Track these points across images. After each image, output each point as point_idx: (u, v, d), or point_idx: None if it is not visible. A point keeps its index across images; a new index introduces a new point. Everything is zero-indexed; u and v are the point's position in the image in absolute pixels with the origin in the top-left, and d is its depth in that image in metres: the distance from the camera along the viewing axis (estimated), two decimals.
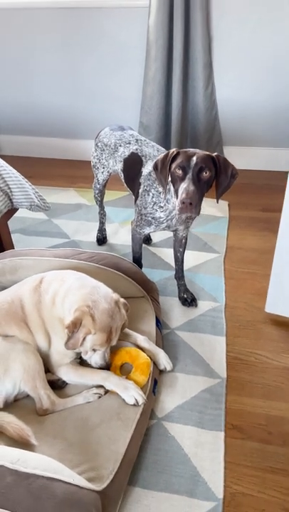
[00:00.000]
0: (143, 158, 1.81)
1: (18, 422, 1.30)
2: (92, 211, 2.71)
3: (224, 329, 1.87)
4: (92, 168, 2.16)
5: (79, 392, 1.45)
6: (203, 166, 1.45)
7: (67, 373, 1.48)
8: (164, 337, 1.81)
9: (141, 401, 1.39)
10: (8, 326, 1.47)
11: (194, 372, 1.67)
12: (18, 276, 1.83)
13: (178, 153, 1.50)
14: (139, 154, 1.83)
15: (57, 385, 1.49)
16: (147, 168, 1.76)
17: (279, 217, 1.66)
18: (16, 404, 1.43)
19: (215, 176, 1.51)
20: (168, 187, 1.59)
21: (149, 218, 1.74)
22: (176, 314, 1.96)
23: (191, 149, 1.51)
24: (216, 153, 1.51)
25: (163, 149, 1.86)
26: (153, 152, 1.82)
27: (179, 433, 1.45)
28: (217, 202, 1.59)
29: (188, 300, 2.00)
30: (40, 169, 3.30)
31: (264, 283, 2.07)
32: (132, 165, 1.84)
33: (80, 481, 1.12)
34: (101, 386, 1.45)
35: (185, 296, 2.01)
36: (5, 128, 3.48)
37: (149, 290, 1.88)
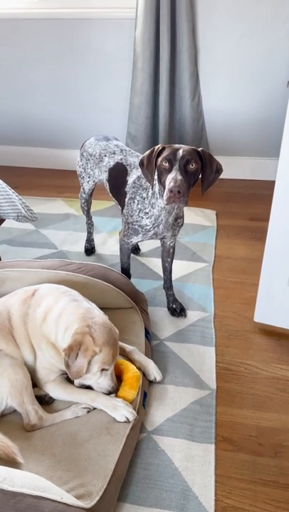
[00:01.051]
0: (128, 167, 1.81)
1: (5, 439, 1.27)
2: (80, 221, 2.69)
3: (213, 339, 1.86)
4: (78, 178, 2.17)
5: (67, 406, 1.43)
6: (189, 158, 1.46)
7: (54, 390, 1.45)
8: (153, 348, 1.80)
9: (131, 418, 1.36)
10: None
11: (184, 383, 1.65)
12: (5, 289, 1.81)
13: (164, 148, 1.51)
14: (124, 164, 1.83)
15: (44, 401, 1.46)
16: (132, 177, 1.76)
17: (267, 227, 1.67)
18: (3, 419, 1.40)
19: (201, 170, 1.52)
20: (154, 189, 1.60)
21: (136, 226, 1.74)
22: (166, 325, 1.94)
23: (176, 144, 1.52)
24: (201, 148, 1.53)
25: None
26: (137, 161, 1.82)
27: (169, 446, 1.43)
28: (202, 195, 1.60)
29: (177, 310, 1.99)
30: (28, 179, 3.28)
31: (253, 292, 2.07)
32: (117, 174, 1.84)
33: (69, 498, 1.10)
34: None
35: (174, 306, 2.00)
36: None
37: (138, 301, 1.87)
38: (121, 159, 1.86)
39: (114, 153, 1.90)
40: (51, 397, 1.47)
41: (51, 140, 3.39)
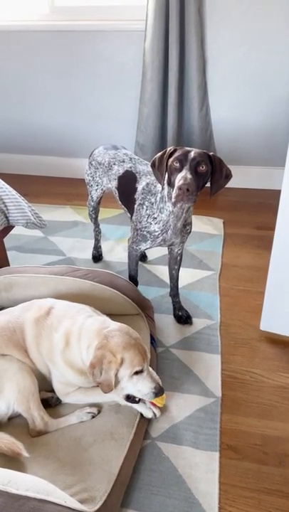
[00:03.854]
0: (137, 174, 1.84)
1: (9, 437, 1.28)
2: (88, 229, 2.72)
3: (219, 347, 1.86)
4: (86, 186, 2.19)
5: (72, 411, 1.44)
6: (200, 160, 1.48)
7: (75, 397, 1.46)
8: (158, 355, 1.80)
9: (158, 414, 1.42)
10: (10, 351, 1.43)
11: (189, 390, 1.65)
12: (13, 294, 1.84)
13: (175, 150, 1.53)
14: (133, 171, 1.86)
15: (51, 403, 1.48)
16: (141, 184, 1.79)
17: (273, 235, 1.67)
18: (8, 423, 1.41)
19: (210, 173, 1.54)
20: (162, 192, 1.62)
21: (144, 233, 1.75)
22: (171, 332, 1.95)
23: (188, 147, 1.55)
24: (212, 153, 1.55)
25: None
26: (147, 169, 1.85)
27: (174, 453, 1.43)
28: (210, 198, 1.61)
29: (183, 318, 2.00)
30: (37, 187, 3.33)
31: (259, 300, 2.07)
32: (127, 182, 1.86)
33: (72, 502, 1.10)
34: (94, 405, 1.43)
35: (180, 313, 2.01)
36: (2, 146, 3.52)
37: (144, 308, 1.88)
38: (130, 167, 1.89)
39: (124, 162, 1.93)
40: (57, 399, 1.48)
41: (61, 149, 3.44)
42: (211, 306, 2.10)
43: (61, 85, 3.19)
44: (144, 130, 3.04)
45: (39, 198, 3.11)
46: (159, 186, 1.67)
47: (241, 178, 3.15)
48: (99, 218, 2.36)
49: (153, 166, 1.60)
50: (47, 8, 3.02)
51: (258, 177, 3.19)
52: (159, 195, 1.67)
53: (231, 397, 1.65)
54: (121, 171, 1.91)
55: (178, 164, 1.49)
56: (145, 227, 1.74)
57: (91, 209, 2.28)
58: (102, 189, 2.11)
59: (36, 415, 1.36)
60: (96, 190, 2.14)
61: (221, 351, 1.85)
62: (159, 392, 1.36)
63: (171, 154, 1.53)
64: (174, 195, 1.48)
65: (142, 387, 1.34)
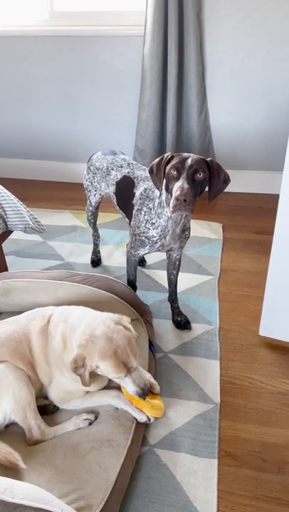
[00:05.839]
0: (135, 180, 1.84)
1: (6, 447, 1.27)
2: (87, 233, 2.72)
3: (218, 353, 1.85)
4: (85, 191, 2.19)
5: (69, 418, 1.43)
6: (197, 167, 1.48)
7: (72, 403, 1.47)
8: (157, 360, 1.79)
9: (152, 419, 1.40)
10: (15, 362, 1.42)
11: (188, 397, 1.64)
12: (12, 299, 1.83)
13: (172, 157, 1.53)
14: (131, 177, 1.86)
15: (48, 410, 1.46)
16: (139, 190, 1.78)
17: (272, 240, 1.67)
18: (5, 431, 1.40)
19: (208, 179, 1.53)
20: (161, 197, 1.62)
21: (143, 238, 1.75)
22: (170, 337, 1.94)
23: (186, 153, 1.54)
24: (210, 158, 1.54)
25: None
26: (144, 174, 1.85)
27: (172, 460, 1.42)
28: (209, 203, 1.61)
29: (182, 323, 1.99)
30: (36, 192, 3.33)
31: (258, 306, 2.06)
32: (125, 187, 1.86)
33: (69, 511, 1.09)
34: (91, 412, 1.42)
35: (179, 319, 2.00)
36: (1, 151, 3.52)
37: (143, 313, 1.87)
38: (128, 172, 1.89)
39: (122, 167, 1.93)
40: (55, 407, 1.47)
41: (60, 153, 3.44)
42: (209, 312, 2.09)
43: (60, 90, 3.20)
44: (143, 135, 3.04)
45: (38, 203, 3.11)
46: (157, 192, 1.67)
47: (240, 182, 3.15)
48: (98, 223, 2.36)
49: (151, 172, 1.60)
50: (46, 13, 3.03)
51: (257, 181, 3.19)
52: (157, 200, 1.67)
53: (230, 404, 1.63)
54: (119, 177, 1.91)
55: (175, 172, 1.49)
56: (143, 232, 1.73)
57: (90, 214, 2.28)
58: (100, 194, 2.11)
59: (33, 424, 1.35)
60: (94, 195, 2.14)
61: (220, 357, 1.84)
62: (141, 396, 1.35)
63: (168, 161, 1.52)
64: (171, 204, 1.48)
65: (127, 386, 1.35)
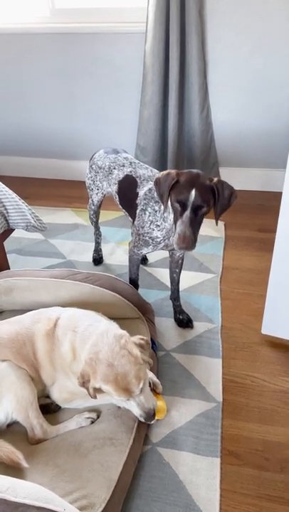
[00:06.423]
0: (137, 179, 1.82)
1: (9, 446, 1.27)
2: (89, 231, 2.71)
3: (220, 351, 1.85)
4: (87, 190, 2.18)
5: (71, 416, 1.43)
6: (200, 204, 1.46)
7: (75, 402, 1.46)
8: (159, 359, 1.79)
9: (153, 420, 1.36)
10: (19, 364, 1.41)
11: (190, 395, 1.64)
12: (13, 297, 1.83)
13: (178, 181, 1.48)
14: (134, 176, 1.85)
15: (50, 409, 1.46)
16: (143, 189, 1.77)
17: (275, 238, 1.66)
18: (8, 430, 1.40)
19: (214, 203, 1.51)
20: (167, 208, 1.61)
21: (147, 238, 1.74)
22: (172, 336, 1.94)
23: (192, 173, 1.49)
24: (215, 180, 1.50)
25: (156, 171, 1.87)
26: (147, 173, 1.83)
27: (174, 459, 1.42)
28: (216, 224, 1.60)
29: (184, 321, 1.98)
30: (37, 190, 3.32)
31: (260, 304, 2.06)
32: (127, 187, 1.85)
33: (72, 510, 1.09)
34: (93, 410, 1.42)
35: (181, 317, 1.99)
36: (2, 149, 3.51)
37: (145, 311, 1.87)
38: (130, 171, 1.87)
39: (124, 166, 1.91)
40: (57, 406, 1.47)
41: (61, 151, 3.43)
42: (211, 310, 2.08)
43: (62, 88, 3.19)
44: (144, 132, 3.03)
45: (39, 201, 3.10)
46: None
47: (242, 180, 3.14)
48: (99, 221, 2.35)
49: (157, 184, 1.55)
50: (47, 10, 3.01)
51: (260, 179, 3.18)
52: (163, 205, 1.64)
53: (232, 402, 1.63)
54: (121, 176, 1.90)
55: (179, 206, 1.47)
56: (148, 232, 1.73)
57: (92, 212, 2.27)
58: (102, 193, 2.11)
59: (35, 424, 1.35)
60: (96, 194, 2.13)
61: (222, 355, 1.83)
62: (145, 420, 1.32)
63: (175, 183, 1.48)
64: (175, 239, 1.49)
65: (129, 408, 1.34)
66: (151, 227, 1.71)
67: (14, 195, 2.05)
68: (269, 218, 2.81)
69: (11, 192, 2.05)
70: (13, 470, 1.25)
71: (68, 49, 3.04)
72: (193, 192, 1.45)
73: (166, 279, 2.20)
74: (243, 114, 3.00)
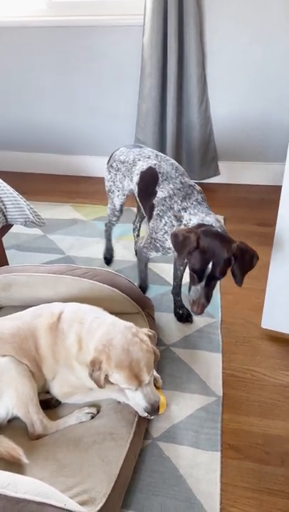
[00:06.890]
0: (159, 175, 1.75)
1: (9, 442, 1.27)
2: (87, 226, 2.70)
3: (220, 345, 1.85)
4: (108, 194, 2.09)
5: (71, 411, 1.43)
6: (217, 276, 1.46)
7: (75, 397, 1.46)
8: (159, 354, 1.79)
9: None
10: (20, 359, 1.41)
11: (190, 390, 1.64)
12: (12, 293, 1.82)
13: (197, 247, 1.44)
14: (157, 170, 1.77)
15: (50, 404, 1.46)
16: (162, 191, 1.71)
17: (274, 232, 1.65)
18: (8, 425, 1.39)
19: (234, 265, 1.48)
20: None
21: (158, 245, 1.74)
22: (172, 330, 1.94)
23: (212, 241, 1.44)
24: (235, 248, 1.45)
25: (181, 168, 1.81)
26: (171, 171, 1.75)
27: (175, 453, 1.42)
28: (240, 285, 1.55)
29: (184, 316, 1.98)
30: (36, 185, 3.31)
31: (260, 298, 2.04)
32: (148, 180, 1.79)
33: (72, 505, 1.09)
34: (93, 405, 1.42)
35: (180, 311, 1.99)
36: (0, 144, 3.49)
37: (144, 306, 1.86)
38: (155, 164, 1.80)
39: (149, 158, 1.85)
40: (57, 401, 1.47)
41: (59, 146, 3.41)
42: (212, 304, 2.04)
43: (59, 81, 3.16)
44: (143, 126, 3.01)
45: (38, 196, 3.09)
46: (182, 213, 1.62)
47: (242, 174, 3.12)
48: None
49: (173, 238, 1.51)
50: (44, 3, 2.98)
51: (259, 173, 3.16)
52: (181, 222, 1.62)
53: (232, 396, 1.63)
54: (145, 167, 1.82)
55: (195, 275, 1.47)
56: (160, 240, 1.72)
57: (114, 219, 2.18)
58: (124, 194, 2.03)
59: (35, 419, 1.35)
60: (118, 196, 2.05)
61: (222, 350, 1.83)
62: (150, 413, 1.33)
63: (194, 247, 1.45)
64: (189, 301, 1.52)
65: (132, 400, 1.34)
66: (165, 236, 1.69)
67: (12, 190, 2.04)
68: (269, 212, 2.79)
69: (9, 187, 2.04)
70: (14, 466, 1.25)
71: (65, 42, 3.02)
72: (210, 266, 1.43)
73: (166, 274, 2.19)
74: (242, 107, 2.98)
